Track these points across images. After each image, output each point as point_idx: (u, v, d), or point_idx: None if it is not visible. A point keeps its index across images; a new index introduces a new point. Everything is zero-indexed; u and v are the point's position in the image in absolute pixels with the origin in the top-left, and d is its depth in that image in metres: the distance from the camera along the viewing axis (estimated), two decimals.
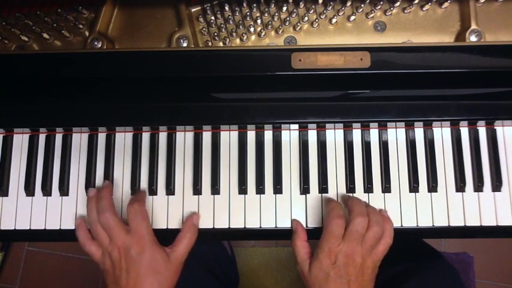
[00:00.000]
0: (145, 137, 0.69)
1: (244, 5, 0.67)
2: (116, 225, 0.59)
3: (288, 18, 0.67)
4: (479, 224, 0.65)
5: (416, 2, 0.66)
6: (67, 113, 0.65)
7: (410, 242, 0.85)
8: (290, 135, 0.68)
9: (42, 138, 0.69)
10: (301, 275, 0.62)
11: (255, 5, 0.66)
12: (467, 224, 0.65)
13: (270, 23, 0.67)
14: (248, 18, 0.67)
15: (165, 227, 0.66)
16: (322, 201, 0.66)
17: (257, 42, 0.68)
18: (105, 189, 0.63)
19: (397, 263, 0.77)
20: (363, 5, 0.66)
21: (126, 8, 0.68)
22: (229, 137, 0.68)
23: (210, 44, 0.67)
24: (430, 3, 0.66)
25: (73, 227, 0.66)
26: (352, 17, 0.67)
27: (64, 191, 0.67)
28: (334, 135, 0.68)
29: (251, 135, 0.68)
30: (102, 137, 0.69)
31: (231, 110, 0.64)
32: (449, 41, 0.66)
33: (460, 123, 0.67)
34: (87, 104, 0.65)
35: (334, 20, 0.67)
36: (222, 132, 0.68)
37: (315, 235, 0.63)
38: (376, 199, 0.66)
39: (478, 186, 0.65)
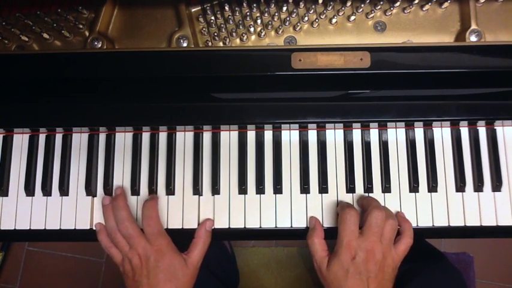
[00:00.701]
0: (145, 137, 0.69)
1: (244, 5, 0.67)
2: (136, 235, 0.62)
3: (288, 18, 0.67)
4: (479, 224, 0.65)
5: (416, 2, 0.66)
6: (67, 113, 0.65)
7: (413, 243, 0.85)
8: (290, 135, 0.68)
9: (42, 138, 0.69)
10: (319, 273, 0.61)
11: (255, 5, 0.66)
12: (467, 224, 0.65)
13: (270, 23, 0.67)
14: (248, 18, 0.67)
15: (165, 227, 0.66)
16: (322, 201, 0.66)
17: (257, 42, 0.68)
18: (120, 198, 0.64)
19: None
20: (363, 5, 0.66)
21: (126, 8, 0.68)
22: (229, 137, 0.68)
23: (210, 44, 0.67)
24: (430, 3, 0.66)
25: (73, 227, 0.66)
26: (352, 17, 0.67)
27: (64, 191, 0.67)
28: (334, 135, 0.68)
29: (251, 135, 0.68)
30: (102, 137, 0.69)
31: (231, 110, 0.64)
32: (449, 41, 0.66)
33: (460, 123, 0.67)
34: (87, 104, 0.65)
35: (334, 20, 0.67)
36: (222, 132, 0.68)
37: None
38: (376, 199, 0.66)
39: (478, 186, 0.65)
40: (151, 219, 0.62)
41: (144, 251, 0.61)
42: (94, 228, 0.66)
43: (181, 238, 0.66)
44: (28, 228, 0.66)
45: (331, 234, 0.63)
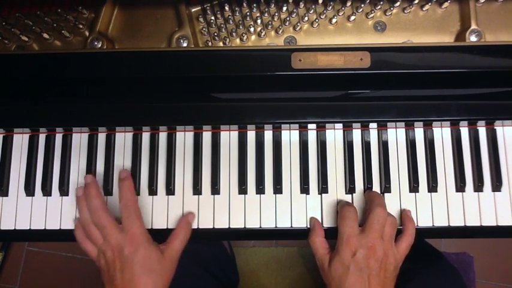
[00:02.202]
0: (145, 137, 0.69)
1: (244, 5, 0.67)
2: (109, 224, 0.59)
3: (288, 18, 0.67)
4: (479, 224, 0.65)
5: (416, 2, 0.66)
6: (67, 113, 0.65)
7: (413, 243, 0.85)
8: (290, 135, 0.68)
9: (42, 138, 0.69)
10: (321, 271, 0.61)
11: (255, 5, 0.66)
12: (467, 224, 0.65)
13: (270, 23, 0.67)
14: (248, 18, 0.67)
15: (165, 227, 0.66)
16: (322, 201, 0.66)
17: (257, 42, 0.68)
18: (91, 186, 0.62)
19: None
20: (363, 5, 0.66)
21: (126, 8, 0.68)
22: (229, 137, 0.68)
23: (210, 44, 0.67)
24: (430, 3, 0.66)
25: (73, 227, 0.66)
26: (352, 17, 0.67)
27: (64, 191, 0.67)
28: (334, 135, 0.68)
29: (251, 135, 0.68)
30: (102, 137, 0.69)
31: (231, 110, 0.64)
32: (449, 41, 0.66)
33: (460, 123, 0.67)
34: (87, 104, 0.65)
35: (334, 20, 0.67)
36: (222, 132, 0.68)
37: None
38: (380, 195, 0.66)
39: (478, 186, 0.65)
40: (128, 201, 0.60)
41: (117, 242, 0.58)
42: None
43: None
44: (28, 228, 0.66)
45: (332, 234, 0.63)
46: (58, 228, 0.66)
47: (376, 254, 0.57)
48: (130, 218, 0.60)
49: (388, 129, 0.68)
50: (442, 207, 0.65)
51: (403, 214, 0.64)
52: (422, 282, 0.73)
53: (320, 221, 0.65)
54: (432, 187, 0.66)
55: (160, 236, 0.63)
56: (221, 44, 0.67)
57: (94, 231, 0.60)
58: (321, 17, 0.67)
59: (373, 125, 0.67)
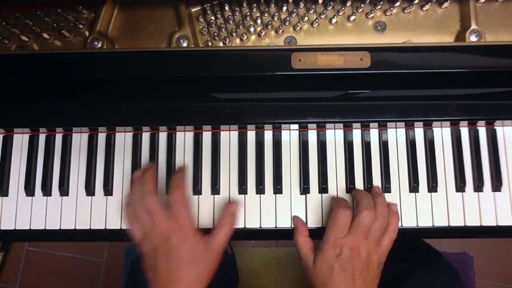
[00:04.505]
0: (145, 137, 0.69)
1: (244, 5, 0.67)
2: (158, 210, 0.59)
3: (288, 18, 0.67)
4: (479, 224, 0.65)
5: (416, 2, 0.66)
6: (67, 113, 0.65)
7: (411, 242, 0.85)
8: (290, 135, 0.68)
9: (42, 138, 0.69)
10: (306, 270, 0.61)
11: (255, 5, 0.66)
12: (467, 224, 0.65)
13: (270, 23, 0.67)
14: (248, 18, 0.67)
15: None
16: (322, 201, 0.66)
17: (257, 42, 0.68)
18: (149, 172, 0.62)
19: (397, 263, 0.77)
20: (363, 5, 0.66)
21: (126, 8, 0.68)
22: (229, 137, 0.68)
23: (210, 44, 0.67)
24: (430, 3, 0.66)
25: (73, 227, 0.66)
26: (352, 17, 0.67)
27: (64, 191, 0.67)
28: (334, 135, 0.68)
29: (251, 135, 0.68)
30: (102, 137, 0.69)
31: (231, 110, 0.64)
32: (449, 41, 0.66)
33: (460, 123, 0.67)
34: (87, 104, 0.65)
35: (334, 20, 0.67)
36: (222, 132, 0.68)
37: (315, 235, 0.63)
38: (369, 196, 0.65)
39: (478, 186, 0.65)
40: (178, 189, 0.60)
41: (165, 230, 0.58)
42: (93, 227, 0.65)
43: None
44: (28, 228, 0.66)
45: None
46: (58, 228, 0.66)
47: (360, 255, 0.57)
48: (178, 206, 0.59)
49: (388, 129, 0.68)
50: (442, 207, 0.65)
51: (388, 209, 0.62)
52: (421, 282, 0.73)
53: (320, 221, 0.65)
54: (432, 187, 0.66)
55: None
56: (221, 44, 0.67)
57: (143, 214, 0.60)
58: (321, 17, 0.67)
59: (373, 125, 0.67)
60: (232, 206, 0.64)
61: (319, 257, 0.58)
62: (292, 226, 0.65)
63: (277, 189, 0.66)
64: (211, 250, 0.60)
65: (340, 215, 0.59)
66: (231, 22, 0.67)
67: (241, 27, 0.67)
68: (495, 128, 0.67)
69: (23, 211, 0.67)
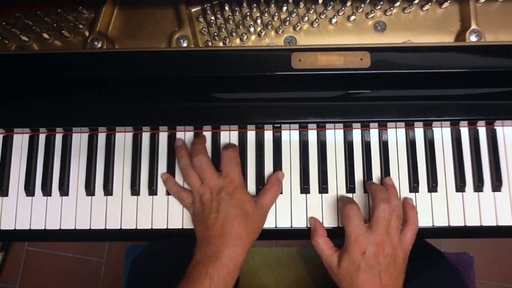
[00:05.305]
0: (145, 137, 0.69)
1: (244, 5, 0.67)
2: (209, 167, 0.62)
3: (288, 18, 0.67)
4: (479, 224, 0.65)
5: (416, 2, 0.66)
6: (67, 113, 0.65)
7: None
8: (290, 135, 0.68)
9: (42, 138, 0.69)
10: (329, 271, 0.61)
11: (255, 5, 0.66)
12: (467, 224, 0.65)
13: (270, 23, 0.67)
14: (248, 18, 0.67)
15: (165, 227, 0.66)
16: (322, 201, 0.66)
17: (257, 42, 0.68)
18: (200, 137, 0.66)
19: None
20: (363, 5, 0.66)
21: (126, 8, 0.68)
22: (229, 137, 0.68)
23: (210, 44, 0.67)
24: (430, 3, 0.66)
25: (73, 227, 0.66)
26: (352, 17, 0.67)
27: (64, 191, 0.67)
28: (334, 135, 0.68)
29: (251, 135, 0.68)
30: (102, 137, 0.69)
31: (231, 110, 0.64)
32: (449, 41, 0.66)
33: (460, 123, 0.67)
34: (87, 104, 0.65)
35: (334, 20, 0.67)
36: (222, 132, 0.68)
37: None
38: (383, 189, 0.65)
39: (478, 186, 0.65)
40: (231, 147, 0.64)
41: (215, 184, 0.61)
42: (93, 227, 0.65)
43: (181, 238, 0.66)
44: (28, 228, 0.66)
45: (334, 235, 0.63)
46: (58, 228, 0.66)
47: (385, 250, 0.57)
48: (230, 163, 0.62)
49: (388, 129, 0.68)
50: (442, 207, 0.65)
51: (405, 203, 0.64)
52: (423, 281, 0.73)
53: (320, 221, 0.65)
54: (432, 187, 0.66)
55: (161, 237, 0.63)
56: (221, 44, 0.67)
57: (192, 174, 0.62)
58: (321, 17, 0.67)
59: (373, 125, 0.67)
60: (279, 173, 0.66)
61: (344, 257, 0.58)
62: (292, 226, 0.65)
63: None
64: (260, 207, 0.62)
65: (349, 210, 0.59)
66: (231, 22, 0.67)
67: (241, 27, 0.67)
68: (495, 128, 0.67)
69: (23, 211, 0.67)
